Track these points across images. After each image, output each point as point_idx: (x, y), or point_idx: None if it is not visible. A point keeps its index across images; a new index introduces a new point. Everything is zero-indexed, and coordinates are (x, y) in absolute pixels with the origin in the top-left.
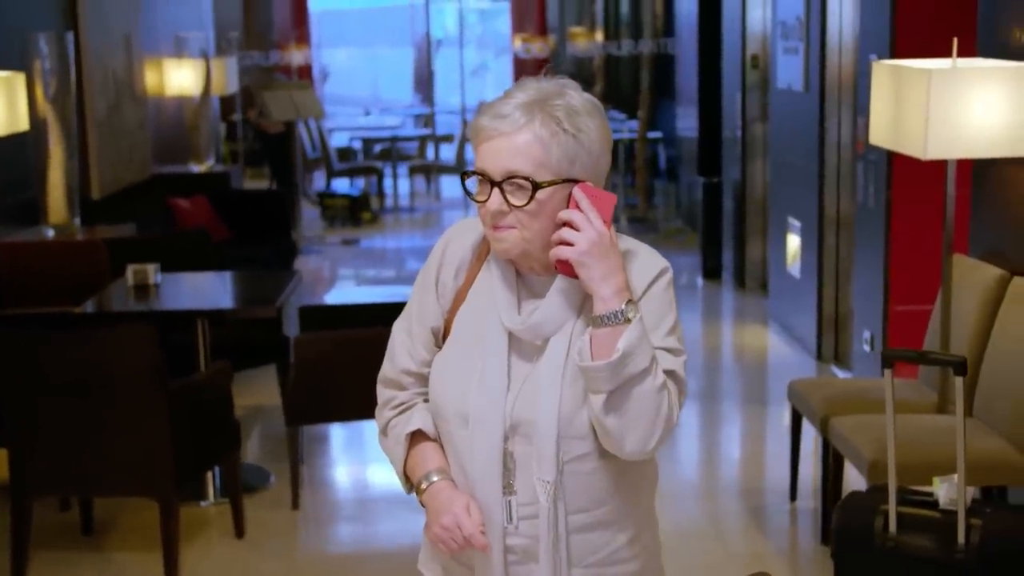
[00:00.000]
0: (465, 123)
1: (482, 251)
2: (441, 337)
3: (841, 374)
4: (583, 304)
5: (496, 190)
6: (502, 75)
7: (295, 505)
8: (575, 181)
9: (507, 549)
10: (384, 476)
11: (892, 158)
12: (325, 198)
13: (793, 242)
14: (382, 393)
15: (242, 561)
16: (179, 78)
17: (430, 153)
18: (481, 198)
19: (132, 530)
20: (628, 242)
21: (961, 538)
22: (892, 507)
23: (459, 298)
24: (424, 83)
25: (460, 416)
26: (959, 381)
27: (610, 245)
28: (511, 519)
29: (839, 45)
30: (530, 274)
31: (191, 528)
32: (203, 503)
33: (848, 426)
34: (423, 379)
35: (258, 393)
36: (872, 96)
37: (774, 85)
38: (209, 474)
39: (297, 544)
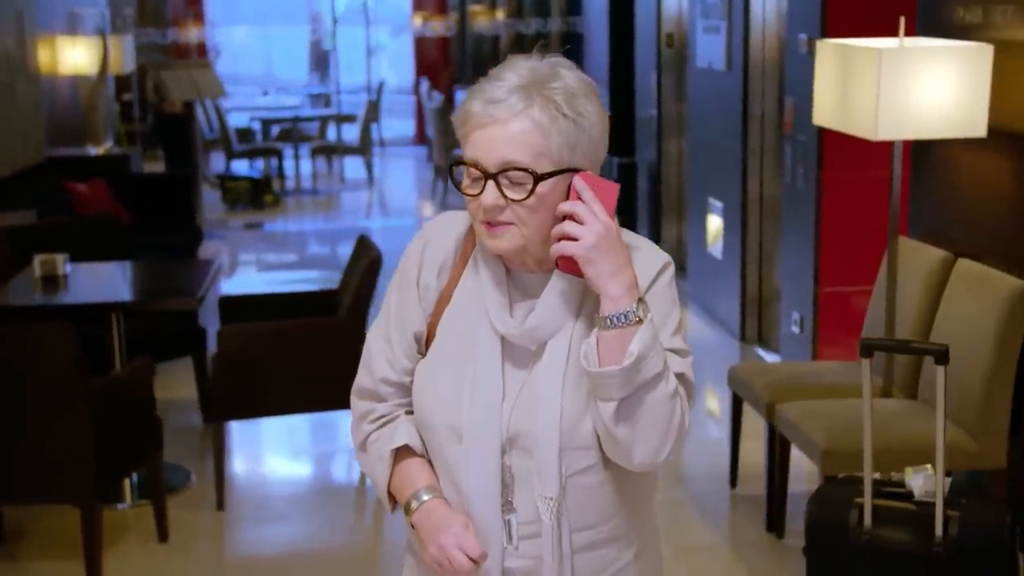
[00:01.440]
0: (370, 103)
1: (466, 247)
2: (424, 343)
3: (768, 356)
4: (582, 304)
5: (491, 183)
6: (402, 54)
7: (220, 505)
8: (576, 170)
9: (505, 572)
10: (311, 472)
11: (822, 138)
12: (226, 181)
13: (714, 223)
14: (357, 406)
15: (167, 566)
16: (74, 56)
17: (331, 134)
18: (473, 192)
19: (48, 537)
20: (628, 236)
21: (939, 530)
22: (868, 500)
23: (443, 300)
24: (321, 62)
25: (452, 430)
26: (941, 371)
27: (617, 239)
28: (511, 539)
29: (763, 24)
30: (522, 271)
31: (109, 533)
32: (120, 506)
33: (796, 413)
34: (404, 389)
35: (169, 387)
36: (816, 76)
37: (693, 64)
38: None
39: (224, 546)
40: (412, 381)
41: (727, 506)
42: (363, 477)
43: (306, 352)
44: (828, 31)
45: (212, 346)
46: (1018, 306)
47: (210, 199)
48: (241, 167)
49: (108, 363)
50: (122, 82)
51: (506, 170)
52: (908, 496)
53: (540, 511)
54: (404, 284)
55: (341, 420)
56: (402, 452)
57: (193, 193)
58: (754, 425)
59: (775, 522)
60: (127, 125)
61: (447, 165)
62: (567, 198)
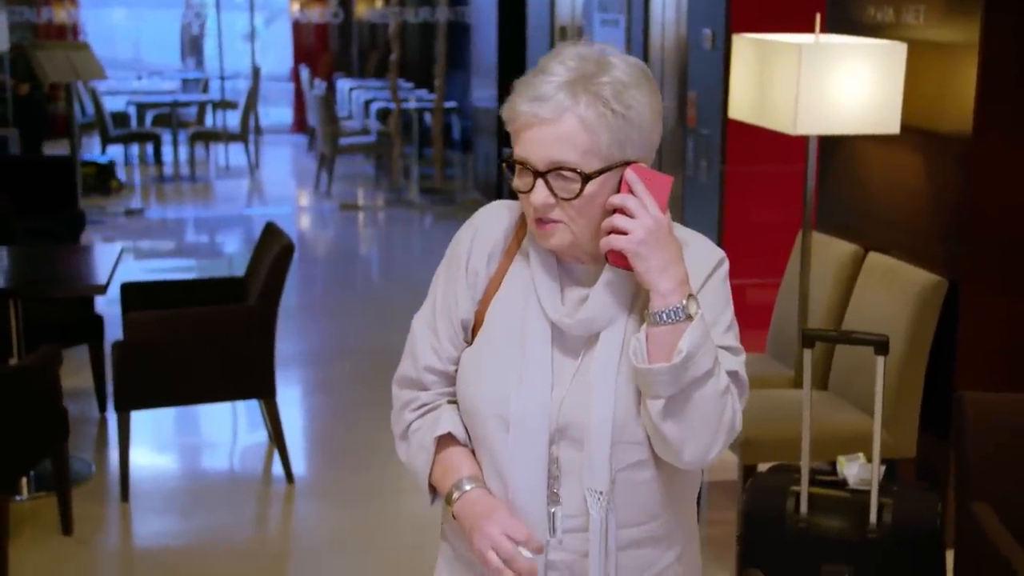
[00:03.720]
0: (250, 90)
1: (517, 236)
2: (471, 331)
3: None
4: (635, 297)
5: (540, 182)
6: (277, 41)
7: (124, 497)
8: (627, 163)
9: (549, 565)
10: (215, 463)
11: (726, 133)
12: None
13: None
14: (399, 395)
15: (73, 559)
16: None
17: (208, 120)
18: (524, 189)
19: None
20: (680, 230)
21: (873, 517)
22: (804, 488)
23: (492, 288)
24: (194, 47)
25: (499, 418)
26: (880, 360)
27: (668, 233)
28: (554, 532)
29: (662, 18)
30: (573, 263)
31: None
32: (18, 498)
33: None
34: (448, 378)
35: (64, 376)
36: (733, 71)
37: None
38: None
39: (132, 538)
40: (456, 370)
41: None
42: (268, 466)
43: (216, 339)
44: (734, 26)
45: (110, 334)
46: (930, 299)
47: None
48: (90, 154)
49: (5, 351)
50: None
51: (554, 169)
52: (841, 484)
53: (588, 505)
54: (453, 271)
55: (243, 409)
56: (444, 441)
57: (75, 178)
58: None
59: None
60: (1, 107)
61: (499, 161)
62: (619, 190)
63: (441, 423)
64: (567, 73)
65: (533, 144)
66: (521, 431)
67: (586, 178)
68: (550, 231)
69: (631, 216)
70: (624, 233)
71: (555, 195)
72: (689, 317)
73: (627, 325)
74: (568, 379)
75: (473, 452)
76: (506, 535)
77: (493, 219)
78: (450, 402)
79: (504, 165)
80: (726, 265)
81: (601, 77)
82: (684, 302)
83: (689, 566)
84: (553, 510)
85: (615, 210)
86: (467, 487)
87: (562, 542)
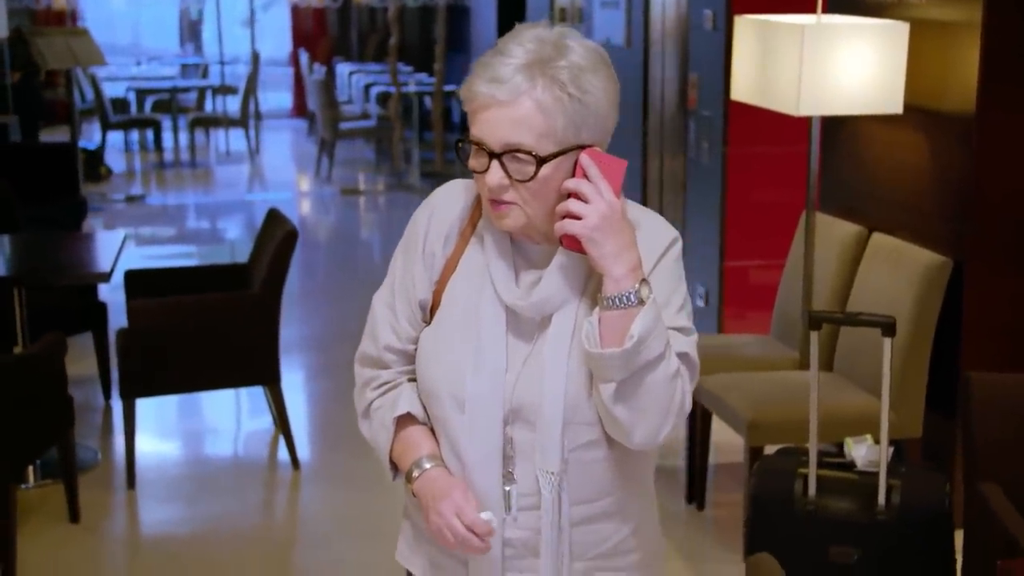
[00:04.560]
0: (250, 75)
1: (473, 216)
2: (429, 311)
3: None
4: (588, 278)
5: (496, 162)
6: (276, 26)
7: (131, 484)
8: (582, 147)
9: (505, 542)
10: (221, 450)
11: (728, 114)
12: None
13: None
14: (361, 373)
15: (80, 546)
16: None
17: (208, 105)
18: (479, 169)
19: None
20: (634, 210)
21: (882, 499)
22: (812, 470)
23: (448, 268)
24: (193, 32)
25: (455, 399)
26: (888, 342)
27: (622, 218)
28: (510, 510)
29: (663, 0)
30: (527, 242)
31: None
32: (24, 487)
33: (720, 385)
34: (408, 357)
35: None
36: (735, 52)
37: (589, 40)
38: None
39: (139, 525)
40: (415, 349)
41: None
42: (274, 452)
43: (220, 326)
44: (735, 7)
45: (114, 321)
46: (935, 279)
47: None
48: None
49: (9, 340)
50: None
51: (509, 151)
52: (849, 466)
53: (540, 485)
54: (410, 252)
55: (247, 395)
56: (404, 420)
57: (76, 164)
58: None
59: (695, 494)
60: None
61: (455, 142)
62: (574, 174)
63: (400, 403)
64: (525, 55)
65: (489, 125)
66: (476, 413)
67: (541, 161)
68: (504, 212)
69: (585, 201)
70: (578, 218)
71: (510, 177)
72: (641, 302)
73: (579, 308)
74: (521, 361)
75: (432, 430)
76: (457, 515)
77: (450, 199)
78: (410, 380)
79: (459, 145)
80: (679, 245)
81: (559, 61)
82: (636, 287)
83: (645, 539)
84: (508, 488)
85: (569, 194)
86: (427, 465)
87: (517, 519)
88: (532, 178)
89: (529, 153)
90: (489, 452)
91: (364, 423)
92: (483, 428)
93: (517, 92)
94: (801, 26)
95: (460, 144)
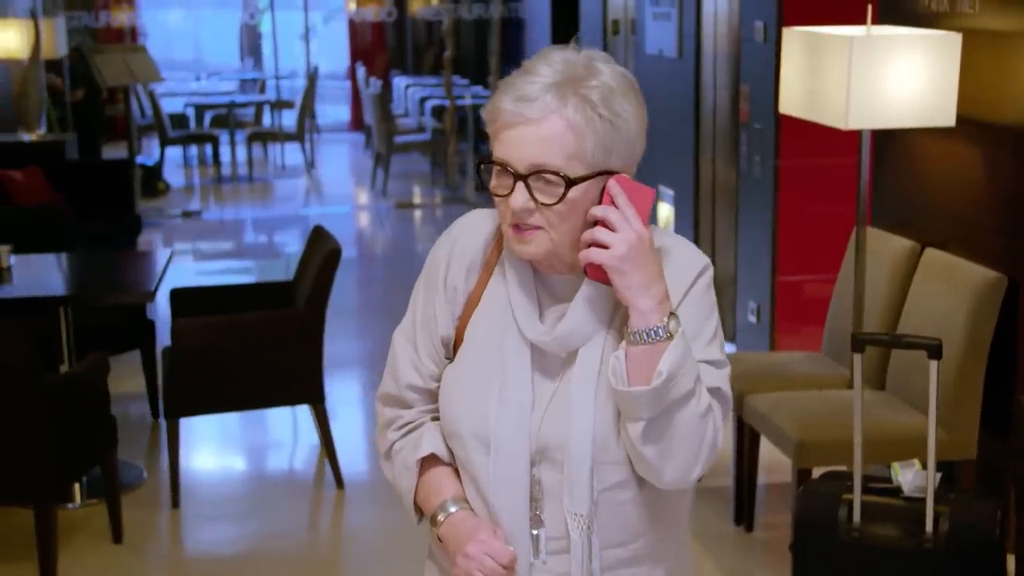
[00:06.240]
0: (307, 89)
1: (495, 247)
2: (452, 347)
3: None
4: (615, 311)
5: (521, 184)
6: (335, 40)
7: (175, 503)
8: (610, 172)
9: None
10: (266, 468)
11: (779, 127)
12: None
13: (664, 211)
14: (382, 413)
15: (123, 567)
16: (4, 39)
17: (266, 120)
18: (502, 192)
19: None
20: (662, 236)
21: (929, 526)
22: (857, 496)
23: (471, 303)
24: (253, 47)
25: (479, 439)
26: (934, 365)
27: (649, 249)
28: (538, 554)
29: (714, 11)
30: (551, 273)
31: (60, 534)
32: (70, 506)
33: (767, 404)
34: (431, 395)
35: (114, 382)
36: (783, 65)
37: (642, 51)
38: None
39: (182, 546)
40: (438, 387)
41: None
42: (320, 471)
43: (264, 345)
44: (786, 19)
45: (161, 339)
46: (989, 296)
47: None
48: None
49: (55, 359)
50: (51, 67)
51: (537, 172)
52: (896, 492)
53: (569, 527)
54: (430, 286)
55: (294, 414)
56: (428, 461)
57: (132, 181)
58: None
59: (743, 515)
60: (59, 111)
61: (476, 162)
62: (600, 201)
63: (423, 444)
64: (554, 75)
65: (515, 144)
66: (502, 454)
67: (570, 183)
68: (528, 238)
69: (613, 229)
70: (604, 247)
71: (535, 199)
72: (670, 336)
73: (605, 342)
74: (547, 399)
75: (457, 471)
76: (488, 555)
77: (471, 230)
78: (434, 419)
79: (479, 166)
80: (710, 272)
81: (590, 81)
82: (664, 321)
83: None
84: (536, 532)
85: (596, 222)
86: (452, 509)
87: (546, 563)
88: (560, 200)
89: (557, 174)
90: (516, 494)
91: (386, 465)
92: (509, 469)
93: (547, 110)
94: (850, 38)
95: (481, 166)
